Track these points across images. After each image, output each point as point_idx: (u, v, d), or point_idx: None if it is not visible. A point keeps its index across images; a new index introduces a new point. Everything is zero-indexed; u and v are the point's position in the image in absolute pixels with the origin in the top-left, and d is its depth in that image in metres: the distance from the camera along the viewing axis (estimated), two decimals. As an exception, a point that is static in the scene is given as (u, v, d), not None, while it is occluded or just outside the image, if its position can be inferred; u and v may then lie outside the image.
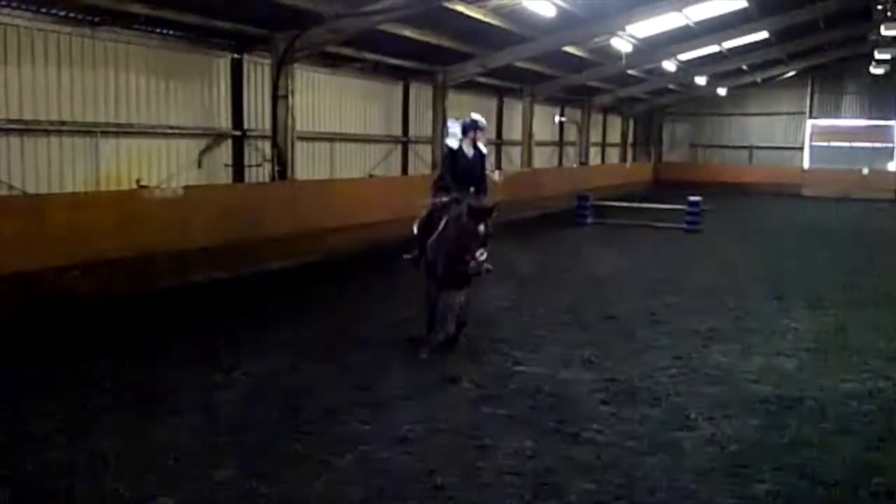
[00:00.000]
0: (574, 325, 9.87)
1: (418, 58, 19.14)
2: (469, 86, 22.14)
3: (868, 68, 33.66)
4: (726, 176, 38.47)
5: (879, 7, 22.61)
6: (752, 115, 40.06)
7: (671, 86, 34.10)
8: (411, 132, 20.78)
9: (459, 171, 8.31)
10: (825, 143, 39.57)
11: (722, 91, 36.93)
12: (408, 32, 16.65)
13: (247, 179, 15.26)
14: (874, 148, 38.94)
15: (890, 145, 38.84)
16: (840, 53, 33.87)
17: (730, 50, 28.39)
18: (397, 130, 20.46)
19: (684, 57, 27.37)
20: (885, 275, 14.47)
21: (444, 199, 8.24)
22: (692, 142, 41.41)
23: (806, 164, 39.70)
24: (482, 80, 22.15)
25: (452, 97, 21.41)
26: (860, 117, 38.82)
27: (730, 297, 11.82)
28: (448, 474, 5.33)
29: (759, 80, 37.10)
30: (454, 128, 8.72)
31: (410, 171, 20.87)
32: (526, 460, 5.60)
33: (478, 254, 7.69)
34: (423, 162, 21.03)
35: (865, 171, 37.97)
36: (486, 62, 20.33)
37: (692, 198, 21.02)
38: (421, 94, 20.77)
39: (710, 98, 38.09)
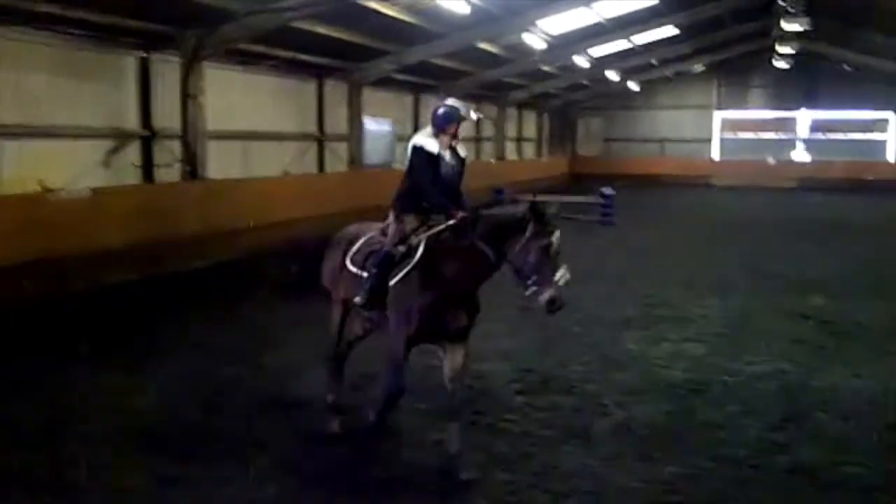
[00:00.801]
0: (490, 317, 9.92)
1: (333, 55, 18.99)
2: (385, 82, 22.09)
3: (771, 62, 34.89)
4: (639, 168, 39.37)
5: (780, 3, 23.44)
6: (663, 109, 41.07)
7: (585, 81, 34.64)
8: (327, 130, 20.61)
9: (440, 185, 5.66)
10: (734, 135, 40.92)
11: (634, 86, 37.72)
12: (321, 29, 16.52)
13: (157, 180, 14.91)
14: (779, 139, 40.40)
15: (793, 136, 40.36)
16: (745, 48, 34.97)
17: (641, 45, 29.00)
18: (312, 128, 20.27)
19: (597, 53, 27.85)
20: (790, 261, 15.00)
21: (433, 228, 5.63)
22: (606, 136, 42.22)
23: (715, 156, 40.96)
24: (398, 76, 22.12)
25: (368, 94, 21.35)
26: (765, 109, 40.20)
27: (642, 285, 12.11)
28: (367, 469, 5.33)
29: (669, 74, 38.04)
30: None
31: (327, 168, 20.71)
32: (440, 454, 5.62)
33: (558, 274, 5.43)
34: (339, 159, 20.89)
35: (771, 160, 39.36)
36: (401, 59, 20.31)
37: (606, 190, 21.43)
38: (336, 92, 20.61)
39: (622, 93, 38.85)
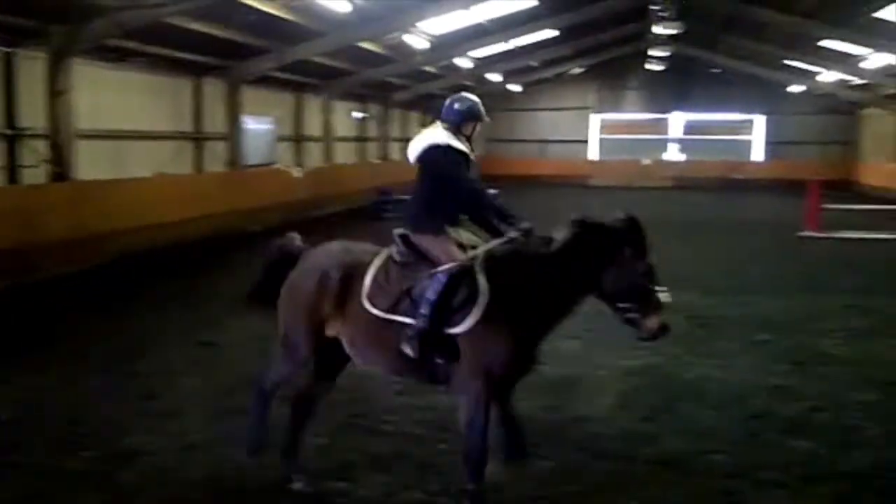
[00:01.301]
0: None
1: (210, 52, 18.54)
2: (265, 81, 21.73)
3: (645, 65, 36.13)
4: (521, 169, 40.14)
5: (653, 7, 24.27)
6: (543, 111, 41.94)
7: (467, 82, 35.00)
8: (205, 129, 20.10)
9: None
10: (611, 136, 42.21)
11: (516, 87, 38.37)
12: (197, 26, 16.10)
13: (22, 182, 14.19)
14: (654, 139, 41.92)
15: (667, 136, 41.96)
16: (621, 51, 36.07)
17: (521, 47, 29.50)
18: (188, 127, 19.73)
19: (478, 54, 28.18)
20: (663, 258, 15.50)
21: (496, 239, 4.89)
22: (489, 136, 42.76)
23: (593, 156, 42.16)
24: (279, 75, 21.80)
25: (248, 93, 20.96)
26: (640, 111, 41.63)
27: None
28: (244, 478, 5.21)
29: (549, 76, 38.88)
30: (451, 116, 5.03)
31: (205, 169, 20.20)
32: (321, 457, 5.56)
33: (662, 297, 4.85)
34: (218, 160, 20.41)
35: (647, 161, 40.77)
36: (281, 57, 20.01)
37: (489, 190, 21.66)
38: (215, 90, 20.12)
39: (504, 94, 39.45)
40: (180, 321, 9.73)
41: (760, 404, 6.65)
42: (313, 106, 25.75)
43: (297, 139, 25.19)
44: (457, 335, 4.55)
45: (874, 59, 27.67)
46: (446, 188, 4.86)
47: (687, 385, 7.20)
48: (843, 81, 33.75)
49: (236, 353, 8.20)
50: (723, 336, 9.09)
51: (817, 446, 5.75)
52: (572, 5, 24.28)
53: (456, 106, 5.01)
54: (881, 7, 21.03)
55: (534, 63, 34.09)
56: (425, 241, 4.82)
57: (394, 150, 33.72)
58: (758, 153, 41.41)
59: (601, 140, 42.32)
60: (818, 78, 34.18)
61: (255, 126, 22.13)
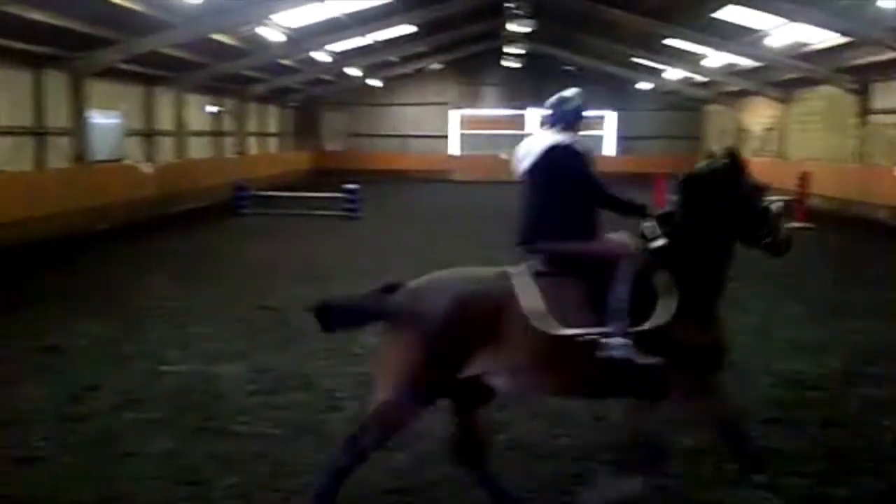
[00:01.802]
0: (229, 317, 9.69)
1: (51, 43, 17.59)
2: (113, 73, 20.80)
3: (503, 61, 36.86)
4: (383, 164, 40.18)
5: (508, 5, 24.76)
6: (404, 105, 42.08)
7: (326, 76, 34.68)
8: (48, 123, 19.03)
9: None
10: (471, 131, 42.83)
11: (376, 82, 38.32)
12: (36, 15, 15.28)
13: None
14: (513, 135, 42.78)
15: (525, 132, 42.92)
16: (478, 47, 36.66)
17: (381, 42, 29.48)
18: (28, 122, 18.63)
19: (337, 48, 27.96)
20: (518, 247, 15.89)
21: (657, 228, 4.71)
22: (350, 131, 42.56)
23: (454, 151, 42.67)
24: (126, 67, 20.90)
25: (95, 85, 20.01)
26: (498, 106, 42.42)
27: (383, 279, 12.23)
28: (83, 489, 4.98)
29: (409, 71, 39.04)
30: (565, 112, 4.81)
31: (48, 165, 19.14)
32: (168, 462, 5.39)
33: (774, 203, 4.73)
34: (61, 155, 19.37)
35: (504, 156, 41.54)
36: (129, 49, 19.21)
37: (350, 185, 21.59)
38: (58, 83, 19.06)
39: (365, 89, 39.34)
40: (23, 326, 9.20)
41: (608, 388, 6.90)
42: (165, 99, 24.85)
43: (148, 134, 24.25)
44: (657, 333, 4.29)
45: (715, 58, 29.23)
46: (582, 189, 4.66)
47: (539, 373, 7.38)
48: (687, 79, 35.48)
49: (81, 358, 7.82)
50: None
51: (662, 427, 6.00)
52: (428, 1, 24.45)
53: (573, 105, 4.78)
54: (720, 8, 22.19)
55: (393, 58, 34.15)
56: (580, 248, 4.60)
57: (251, 145, 33.03)
58: (610, 148, 42.95)
59: (462, 135, 42.87)
60: (664, 75, 35.78)
61: (102, 120, 21.15)
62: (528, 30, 26.33)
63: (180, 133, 25.62)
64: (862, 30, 19.35)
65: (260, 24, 20.95)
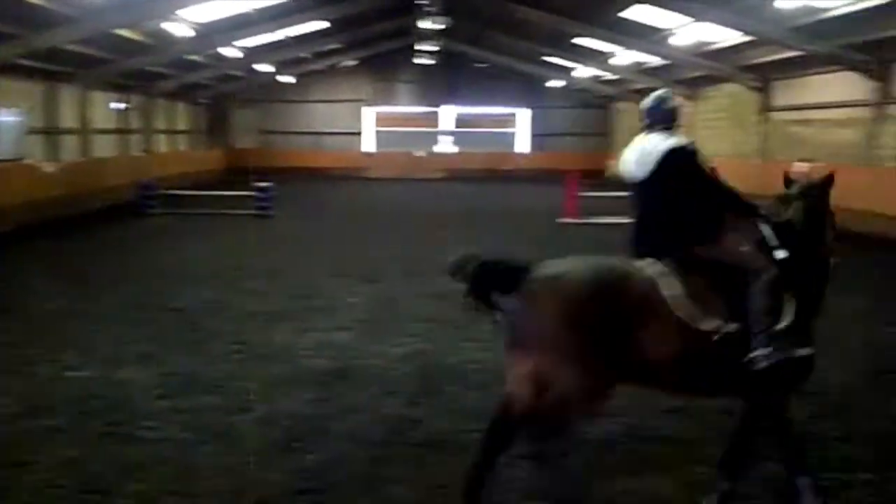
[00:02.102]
0: (135, 320, 9.42)
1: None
2: (12, 70, 19.98)
3: (416, 59, 36.87)
4: (297, 161, 39.78)
5: (420, 2, 24.80)
6: (318, 102, 41.72)
7: (237, 72, 34.10)
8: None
9: None
10: (386, 128, 42.72)
11: (289, 78, 37.86)
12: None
13: None
14: (428, 132, 42.89)
15: (439, 129, 43.09)
16: (391, 44, 36.60)
17: (292, 38, 29.14)
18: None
19: (247, 43, 27.51)
20: (433, 247, 15.92)
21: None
22: (263, 128, 41.94)
23: (369, 148, 42.52)
24: (27, 63, 20.13)
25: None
26: (413, 104, 42.43)
27: (295, 277, 12.18)
28: None
29: (322, 68, 38.70)
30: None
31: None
32: (71, 470, 5.21)
33: None
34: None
35: (420, 153, 41.67)
36: (28, 44, 18.49)
37: (262, 183, 21.28)
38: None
39: (277, 85, 38.84)
40: None
41: (519, 383, 6.97)
42: (68, 96, 24.02)
43: (50, 132, 23.41)
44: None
45: (623, 56, 29.83)
46: (708, 191, 4.66)
47: (451, 369, 7.42)
48: (596, 77, 36.12)
49: None
50: (486, 319, 9.41)
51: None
52: (340, -4, 24.32)
53: (665, 106, 4.77)
54: (627, 7, 22.67)
55: (305, 54, 33.81)
56: (713, 251, 4.54)
57: (159, 143, 32.22)
58: (523, 145, 43.45)
59: (376, 132, 42.74)
60: (574, 73, 36.35)
61: (2, 118, 20.32)
62: (440, 27, 26.43)
63: (85, 131, 24.81)
64: (762, 29, 20.04)
65: (166, 19, 20.46)
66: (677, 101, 4.87)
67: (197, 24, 22.55)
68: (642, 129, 4.79)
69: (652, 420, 6.07)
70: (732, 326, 4.29)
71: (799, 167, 20.92)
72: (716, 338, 4.26)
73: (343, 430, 5.89)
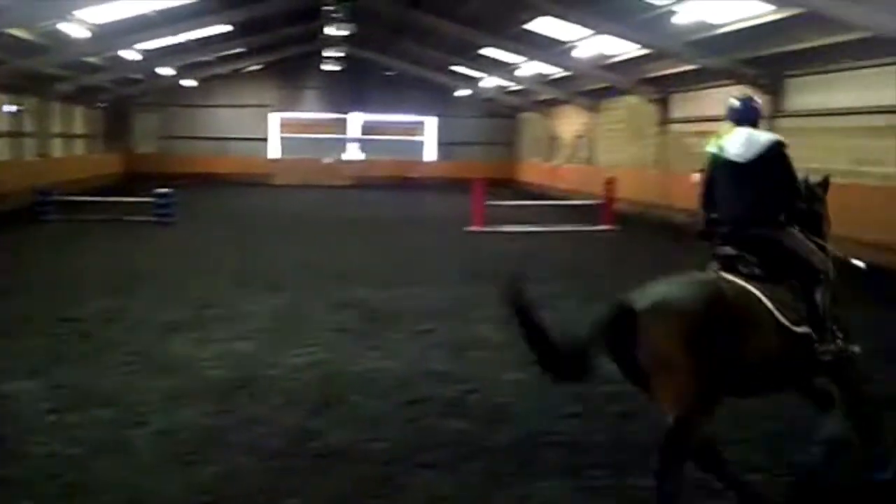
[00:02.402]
0: (26, 331, 9.06)
1: None
2: None
3: (323, 65, 36.64)
4: (200, 167, 39.01)
5: (326, 8, 24.66)
6: (222, 107, 40.99)
7: (137, 75, 33.22)
8: None
9: None
10: (292, 135, 42.29)
11: (191, 82, 37.10)
12: None
13: None
14: (335, 139, 42.65)
15: (346, 136, 42.91)
16: (297, 49, 36.27)
17: (195, 41, 28.56)
18: None
19: (148, 46, 26.84)
20: (340, 255, 15.86)
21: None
22: (164, 133, 40.93)
23: (275, 155, 42.00)
24: None
25: None
26: (320, 110, 42.14)
27: (196, 286, 11.93)
28: None
29: (226, 72, 38.05)
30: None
31: None
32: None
33: None
34: None
35: (327, 160, 41.38)
36: None
37: (163, 189, 20.78)
38: None
39: (180, 89, 37.99)
40: None
41: (420, 390, 7.00)
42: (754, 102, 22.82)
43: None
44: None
45: (527, 68, 30.34)
46: (793, 185, 5.20)
47: (353, 378, 7.38)
48: (502, 87, 36.62)
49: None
50: (391, 327, 9.46)
51: (470, 425, 6.17)
52: (242, 1, 23.95)
53: (752, 104, 5.41)
54: (532, 19, 23.07)
55: (208, 58, 33.18)
56: (789, 239, 5.07)
57: (55, 147, 31.07)
58: (430, 153, 43.67)
59: (282, 139, 42.27)
60: (481, 83, 36.77)
61: None
62: (346, 33, 26.35)
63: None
64: (660, 43, 20.68)
65: (62, 19, 19.78)
66: (760, 102, 5.59)
67: (94, 25, 21.86)
68: (731, 124, 5.41)
69: (552, 425, 6.18)
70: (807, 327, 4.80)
71: (696, 178, 21.59)
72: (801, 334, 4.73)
73: (242, 442, 5.79)
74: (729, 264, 4.99)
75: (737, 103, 5.46)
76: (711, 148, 5.38)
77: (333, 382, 7.26)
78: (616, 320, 4.51)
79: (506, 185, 37.31)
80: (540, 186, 36.86)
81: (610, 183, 21.81)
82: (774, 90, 19.73)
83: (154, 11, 22.65)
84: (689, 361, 4.27)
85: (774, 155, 5.14)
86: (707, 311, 4.38)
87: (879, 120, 16.30)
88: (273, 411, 6.46)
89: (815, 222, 5.38)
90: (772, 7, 16.12)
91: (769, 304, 4.61)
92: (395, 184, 38.73)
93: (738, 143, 5.24)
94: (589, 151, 32.49)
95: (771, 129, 19.39)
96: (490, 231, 19.73)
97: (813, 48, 16.95)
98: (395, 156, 42.59)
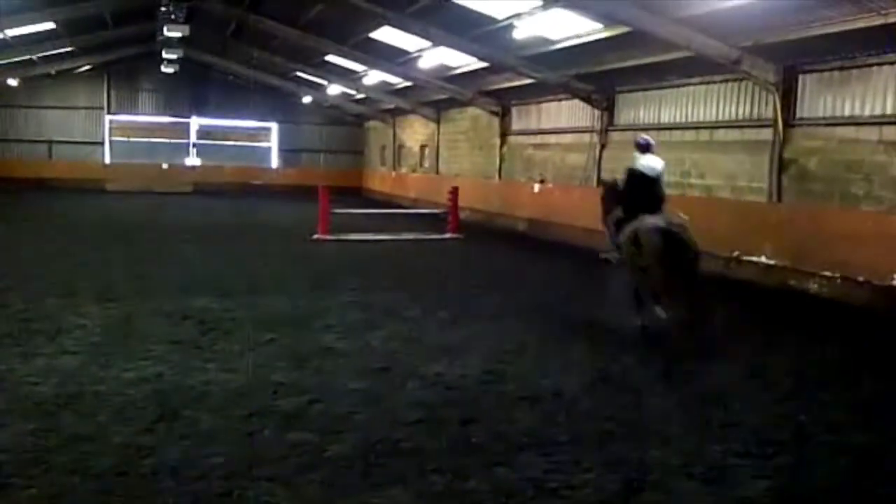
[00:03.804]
0: None
1: None
2: None
3: (161, 67, 35.34)
4: (25, 171, 36.88)
5: (162, 9, 23.80)
6: (49, 108, 38.80)
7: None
8: None
9: None
10: (126, 139, 40.53)
11: (13, 81, 34.92)
12: None
13: None
14: (174, 143, 41.19)
15: (187, 141, 41.53)
16: (132, 50, 34.87)
17: (15, 38, 26.85)
18: None
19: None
20: (177, 264, 15.31)
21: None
22: (-15, 135, 38.32)
23: (108, 159, 40.13)
24: None
25: None
26: (158, 114, 40.64)
27: (17, 298, 11.18)
28: None
29: (53, 71, 36.03)
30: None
31: None
32: None
33: None
34: None
35: (165, 165, 39.94)
36: None
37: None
38: None
39: (2, 89, 35.65)
40: None
41: (261, 402, 6.83)
42: None
43: None
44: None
45: (372, 76, 30.40)
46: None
47: (189, 391, 7.11)
48: (347, 95, 36.52)
49: None
50: (230, 338, 9.20)
51: (311, 436, 6.07)
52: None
53: (651, 142, 10.45)
54: (376, 28, 23.11)
55: (33, 57, 31.30)
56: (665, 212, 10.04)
57: None
58: (275, 160, 43.02)
59: (115, 143, 40.46)
60: (326, 91, 36.54)
61: None
62: (180, 34, 25.49)
63: None
64: (499, 56, 21.19)
65: None
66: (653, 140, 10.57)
67: None
68: (641, 152, 10.42)
69: (394, 432, 6.17)
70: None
71: (537, 188, 22.68)
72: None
73: (66, 461, 5.46)
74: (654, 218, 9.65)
75: (643, 140, 10.43)
76: (634, 165, 10.30)
77: (167, 397, 6.96)
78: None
79: (353, 192, 37.22)
80: (387, 194, 36.97)
81: (454, 192, 22.14)
82: (607, 105, 20.64)
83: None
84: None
85: (662, 172, 10.37)
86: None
87: (704, 134, 17.37)
88: (100, 429, 6.12)
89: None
90: (601, 25, 16.83)
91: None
92: (239, 190, 37.87)
93: (654, 164, 10.29)
94: (433, 161, 32.89)
95: (604, 141, 20.44)
96: (336, 239, 19.60)
97: (641, 65, 17.85)
98: (239, 162, 41.62)
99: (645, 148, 10.26)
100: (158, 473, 5.33)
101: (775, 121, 15.00)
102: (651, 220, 9.39)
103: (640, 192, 9.95)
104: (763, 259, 14.47)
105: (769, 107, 15.34)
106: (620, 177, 10.49)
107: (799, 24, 13.29)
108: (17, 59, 30.69)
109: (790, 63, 14.69)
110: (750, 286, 14.22)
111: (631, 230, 9.54)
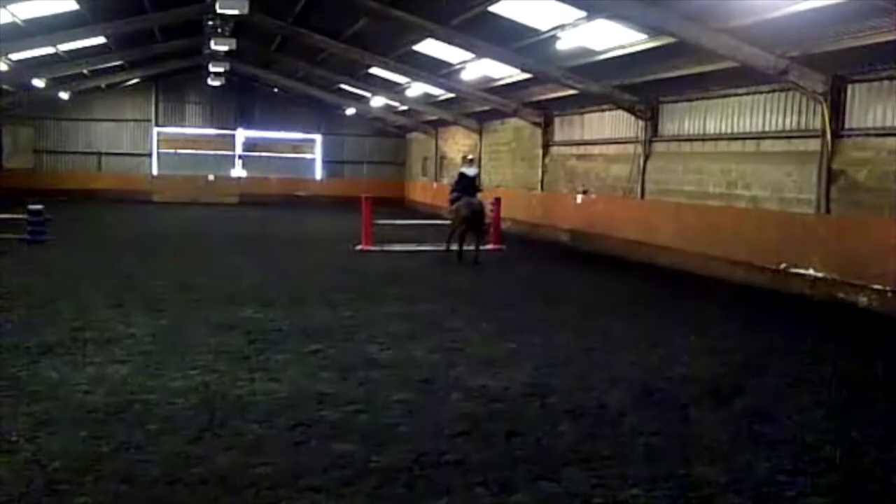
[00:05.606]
0: None
1: None
2: None
3: (207, 80, 35.88)
4: (75, 183, 37.56)
5: (210, 23, 24.19)
6: (99, 121, 39.60)
7: (8, 87, 31.71)
8: None
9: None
10: (173, 151, 41.17)
11: (64, 95, 35.69)
12: None
13: None
14: (220, 155, 41.76)
15: (232, 153, 42.08)
16: (180, 64, 35.43)
17: (67, 52, 27.49)
18: None
19: (17, 56, 25.67)
20: (223, 274, 15.51)
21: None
22: (36, 147, 39.16)
23: (155, 171, 40.79)
24: None
25: None
26: (204, 126, 41.24)
27: (70, 307, 11.42)
28: None
29: (103, 85, 36.78)
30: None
31: None
32: None
33: None
34: None
35: (211, 177, 40.50)
36: None
37: (34, 206, 19.85)
38: None
39: (53, 101, 36.47)
40: None
41: (306, 413, 6.88)
42: None
43: None
44: None
45: (414, 88, 30.54)
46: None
47: (236, 401, 7.19)
48: (390, 107, 36.73)
49: None
50: (276, 349, 9.28)
51: (356, 447, 6.10)
52: (118, 13, 23.22)
53: (473, 160, 19.39)
54: (420, 41, 23.25)
55: (84, 71, 32.00)
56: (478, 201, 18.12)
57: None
58: (319, 171, 43.40)
59: (163, 155, 41.14)
60: (369, 102, 36.79)
61: None
62: (227, 48, 25.87)
63: None
64: (543, 67, 21.18)
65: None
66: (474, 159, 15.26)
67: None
68: (468, 164, 19.23)
69: (439, 445, 6.18)
70: None
71: (580, 199, 22.93)
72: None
73: (116, 470, 5.55)
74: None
75: (470, 157, 19.79)
76: (462, 171, 18.64)
77: (215, 406, 7.05)
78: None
79: (395, 203, 37.38)
80: (429, 205, 37.08)
81: (496, 203, 22.16)
82: (650, 116, 20.51)
83: (21, 20, 21.66)
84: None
85: (476, 175, 18.69)
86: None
87: (750, 145, 17.17)
88: (150, 438, 6.21)
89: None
90: (645, 36, 16.75)
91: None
92: (284, 201, 38.25)
93: (469, 171, 18.58)
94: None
95: (648, 153, 20.29)
96: (379, 250, 19.70)
97: (686, 76, 17.72)
98: (284, 173, 42.07)
99: (470, 162, 19.62)
100: (207, 482, 5.40)
101: (823, 131, 14.78)
102: (465, 200, 17.51)
103: (464, 186, 18.18)
104: (811, 271, 14.23)
105: (817, 117, 15.12)
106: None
107: (847, 33, 13.11)
108: (68, 73, 31.41)
109: (839, 73, 14.47)
110: (798, 298, 14.01)
111: (456, 204, 17.73)
